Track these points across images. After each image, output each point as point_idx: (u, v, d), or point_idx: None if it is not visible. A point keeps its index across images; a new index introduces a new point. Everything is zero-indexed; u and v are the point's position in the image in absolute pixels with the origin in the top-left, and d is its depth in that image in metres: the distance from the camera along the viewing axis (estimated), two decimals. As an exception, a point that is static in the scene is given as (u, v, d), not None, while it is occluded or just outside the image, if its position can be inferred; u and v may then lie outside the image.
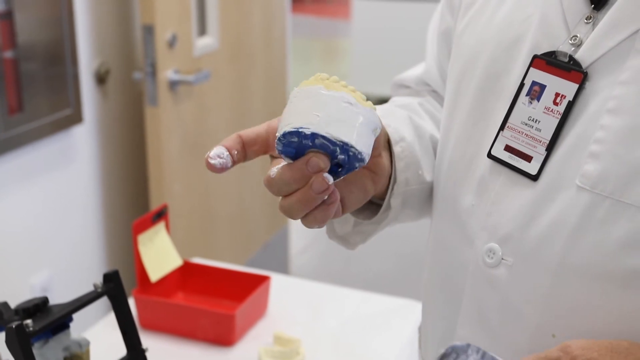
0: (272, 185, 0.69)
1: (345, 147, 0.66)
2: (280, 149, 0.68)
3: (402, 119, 0.89)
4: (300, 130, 0.66)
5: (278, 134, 0.68)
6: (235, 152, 0.71)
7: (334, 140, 0.66)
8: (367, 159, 0.68)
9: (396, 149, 0.83)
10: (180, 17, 2.37)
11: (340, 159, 0.67)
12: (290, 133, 0.66)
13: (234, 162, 0.71)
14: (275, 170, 0.69)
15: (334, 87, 0.68)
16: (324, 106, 0.66)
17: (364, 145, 0.67)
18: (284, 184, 0.68)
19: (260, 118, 3.02)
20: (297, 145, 0.67)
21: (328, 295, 1.71)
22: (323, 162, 0.66)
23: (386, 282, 3.20)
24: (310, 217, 0.70)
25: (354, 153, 0.67)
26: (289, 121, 0.67)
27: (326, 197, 0.68)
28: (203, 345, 1.51)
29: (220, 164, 0.70)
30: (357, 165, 0.68)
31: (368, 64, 5.01)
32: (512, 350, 0.74)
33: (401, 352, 1.49)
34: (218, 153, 0.70)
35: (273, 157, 0.74)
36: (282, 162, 0.70)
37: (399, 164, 0.83)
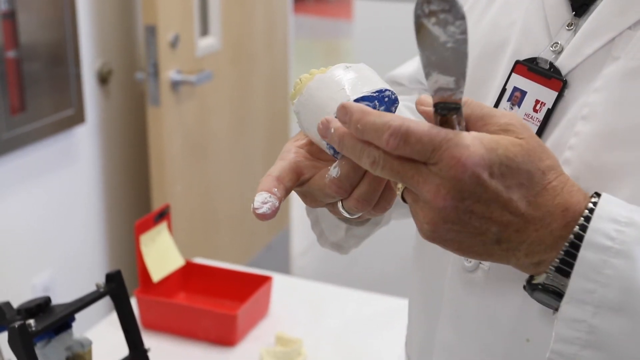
0: (342, 180, 0.67)
1: (380, 95, 0.68)
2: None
3: None
4: None
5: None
6: (275, 190, 0.69)
7: (372, 95, 0.67)
8: (397, 96, 0.70)
9: None
10: (182, 17, 2.37)
11: (382, 111, 0.68)
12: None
13: (280, 199, 0.69)
14: (334, 169, 0.68)
15: (322, 71, 0.70)
16: (339, 81, 0.68)
17: (388, 85, 0.70)
18: (355, 169, 0.66)
19: (262, 118, 3.02)
20: None
21: (330, 296, 1.71)
22: None
23: (388, 283, 3.20)
24: (387, 191, 0.68)
25: (388, 96, 0.68)
26: (323, 115, 0.67)
27: None
28: (205, 345, 1.51)
29: (269, 208, 0.68)
30: (393, 109, 0.70)
31: (370, 64, 4.99)
32: (488, 354, 0.75)
33: (403, 353, 1.49)
34: (261, 200, 0.68)
35: (300, 186, 0.73)
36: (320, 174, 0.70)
37: None
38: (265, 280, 1.61)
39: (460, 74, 0.57)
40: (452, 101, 0.58)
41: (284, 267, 3.34)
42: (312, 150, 0.72)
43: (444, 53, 0.56)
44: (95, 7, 2.25)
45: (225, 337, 1.50)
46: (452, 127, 0.59)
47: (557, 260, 0.61)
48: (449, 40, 0.56)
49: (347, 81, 0.68)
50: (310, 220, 0.90)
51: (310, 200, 0.73)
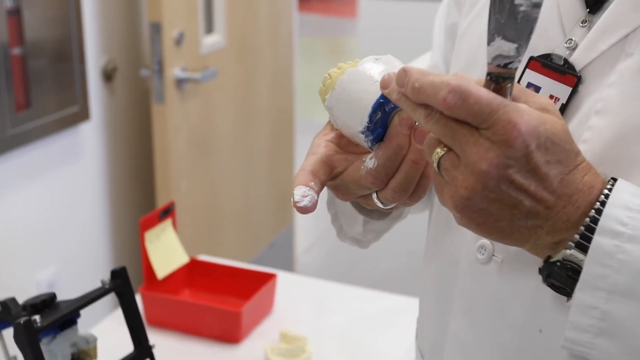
0: (379, 170, 0.68)
1: None
2: (372, 137, 0.68)
3: None
4: (379, 101, 0.67)
5: (362, 127, 0.68)
6: (312, 183, 0.69)
7: None
8: None
9: None
10: (187, 14, 2.37)
11: None
12: (374, 111, 0.67)
13: (317, 192, 0.69)
14: (370, 160, 0.69)
15: (352, 64, 0.70)
16: (372, 74, 0.68)
17: None
18: (391, 159, 0.68)
19: (266, 116, 3.02)
20: (382, 121, 0.68)
21: (334, 293, 1.71)
22: (407, 115, 0.67)
23: (392, 281, 3.20)
24: (422, 179, 0.70)
25: None
26: (360, 108, 0.67)
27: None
28: (209, 342, 1.51)
29: (309, 201, 0.68)
30: None
31: (374, 62, 4.95)
32: (500, 346, 0.75)
33: (407, 351, 1.49)
34: (301, 193, 0.68)
35: (333, 179, 0.73)
36: (353, 166, 0.70)
37: None
38: (269, 277, 1.61)
39: (523, 41, 0.59)
40: (508, 71, 0.60)
41: (288, 265, 3.34)
42: (342, 143, 0.73)
43: (515, 16, 0.58)
44: (100, 4, 2.25)
45: (230, 334, 1.50)
46: (504, 96, 0.60)
47: (577, 236, 0.62)
48: (524, 3, 0.57)
49: (380, 73, 0.68)
50: (330, 215, 0.90)
51: (343, 193, 0.73)
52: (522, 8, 0.57)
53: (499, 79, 0.60)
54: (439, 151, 0.62)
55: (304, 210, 0.68)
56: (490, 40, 0.59)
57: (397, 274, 3.32)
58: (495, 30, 0.59)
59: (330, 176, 0.72)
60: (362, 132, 0.68)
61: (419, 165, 0.68)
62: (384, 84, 0.65)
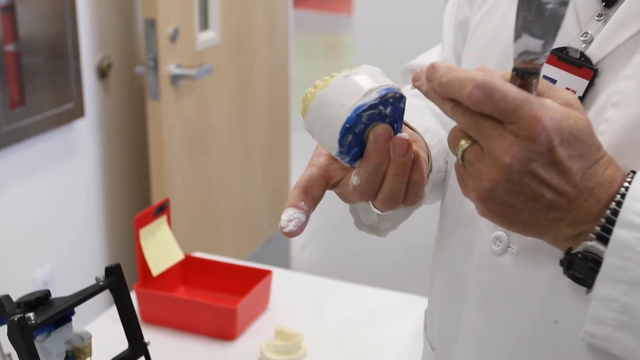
0: (363, 187, 0.69)
1: (383, 98, 0.67)
2: (348, 159, 0.69)
3: (422, 110, 0.91)
4: (345, 126, 0.67)
5: (335, 152, 0.68)
6: (302, 203, 0.71)
7: (374, 102, 0.67)
8: (401, 90, 0.69)
9: (426, 138, 0.84)
10: (182, 11, 2.37)
11: (389, 113, 0.68)
12: (343, 137, 0.67)
13: (307, 212, 0.71)
14: (354, 177, 0.70)
15: (327, 81, 0.69)
16: (340, 96, 0.68)
17: (389, 82, 0.69)
18: (373, 176, 0.69)
19: (262, 112, 3.01)
20: (356, 141, 0.68)
21: (330, 290, 1.71)
22: (383, 127, 0.68)
23: (389, 277, 3.20)
24: (411, 186, 0.71)
25: (392, 95, 0.68)
26: (331, 133, 0.68)
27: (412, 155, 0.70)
28: (205, 339, 1.51)
29: (295, 225, 0.70)
30: (401, 105, 0.69)
31: (370, 59, 4.95)
32: (515, 337, 0.75)
33: (404, 348, 1.49)
34: (287, 217, 0.70)
35: (333, 186, 0.74)
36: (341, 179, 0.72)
37: (433, 152, 0.85)
38: (265, 274, 1.61)
39: (550, 38, 0.60)
40: (534, 66, 0.61)
41: (284, 262, 3.34)
42: None
43: (542, 13, 0.59)
44: (95, 1, 2.24)
45: (225, 331, 1.50)
46: (530, 92, 0.61)
47: (598, 228, 0.63)
48: (551, 0, 0.58)
49: (347, 94, 0.67)
50: (349, 205, 0.91)
51: (344, 199, 0.75)
52: (549, 6, 0.58)
53: (525, 74, 0.61)
54: (464, 143, 0.64)
55: (290, 234, 0.70)
56: (517, 36, 0.61)
57: (393, 270, 3.32)
58: (522, 27, 0.60)
59: (327, 188, 0.73)
60: (338, 155, 0.69)
61: (402, 178, 0.69)
62: (415, 77, 0.66)
